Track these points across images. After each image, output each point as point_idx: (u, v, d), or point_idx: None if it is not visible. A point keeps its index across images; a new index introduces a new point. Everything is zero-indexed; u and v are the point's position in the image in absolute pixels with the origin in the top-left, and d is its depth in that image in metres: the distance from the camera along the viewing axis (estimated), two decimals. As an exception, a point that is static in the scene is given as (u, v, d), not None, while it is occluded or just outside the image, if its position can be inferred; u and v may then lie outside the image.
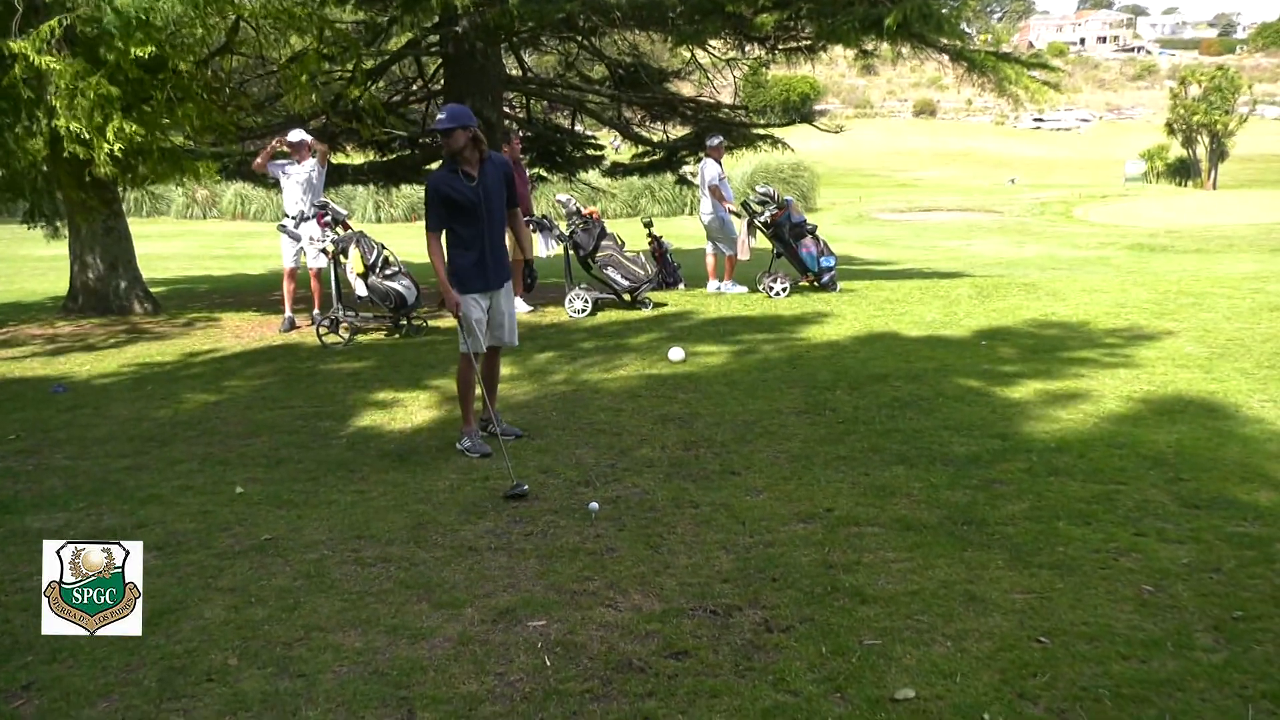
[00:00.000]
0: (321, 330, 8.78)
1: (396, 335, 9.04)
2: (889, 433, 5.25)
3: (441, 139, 5.00)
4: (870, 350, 7.45)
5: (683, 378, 6.80)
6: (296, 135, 9.37)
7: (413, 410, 6.27)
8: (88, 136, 8.00)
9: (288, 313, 9.61)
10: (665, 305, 10.14)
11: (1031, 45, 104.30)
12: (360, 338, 8.95)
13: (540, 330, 8.90)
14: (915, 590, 3.36)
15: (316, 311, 9.41)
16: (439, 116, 5.04)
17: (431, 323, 9.43)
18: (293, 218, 9.21)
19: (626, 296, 9.88)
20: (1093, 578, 3.41)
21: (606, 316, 9.58)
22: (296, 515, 4.38)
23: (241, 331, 9.68)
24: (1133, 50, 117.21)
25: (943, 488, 4.37)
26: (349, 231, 9.10)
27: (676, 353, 7.37)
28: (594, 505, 4.27)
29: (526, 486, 4.53)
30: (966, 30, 9.77)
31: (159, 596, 3.48)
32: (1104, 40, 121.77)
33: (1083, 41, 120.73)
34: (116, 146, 8.04)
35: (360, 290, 8.93)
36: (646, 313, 9.68)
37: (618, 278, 9.84)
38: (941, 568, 3.53)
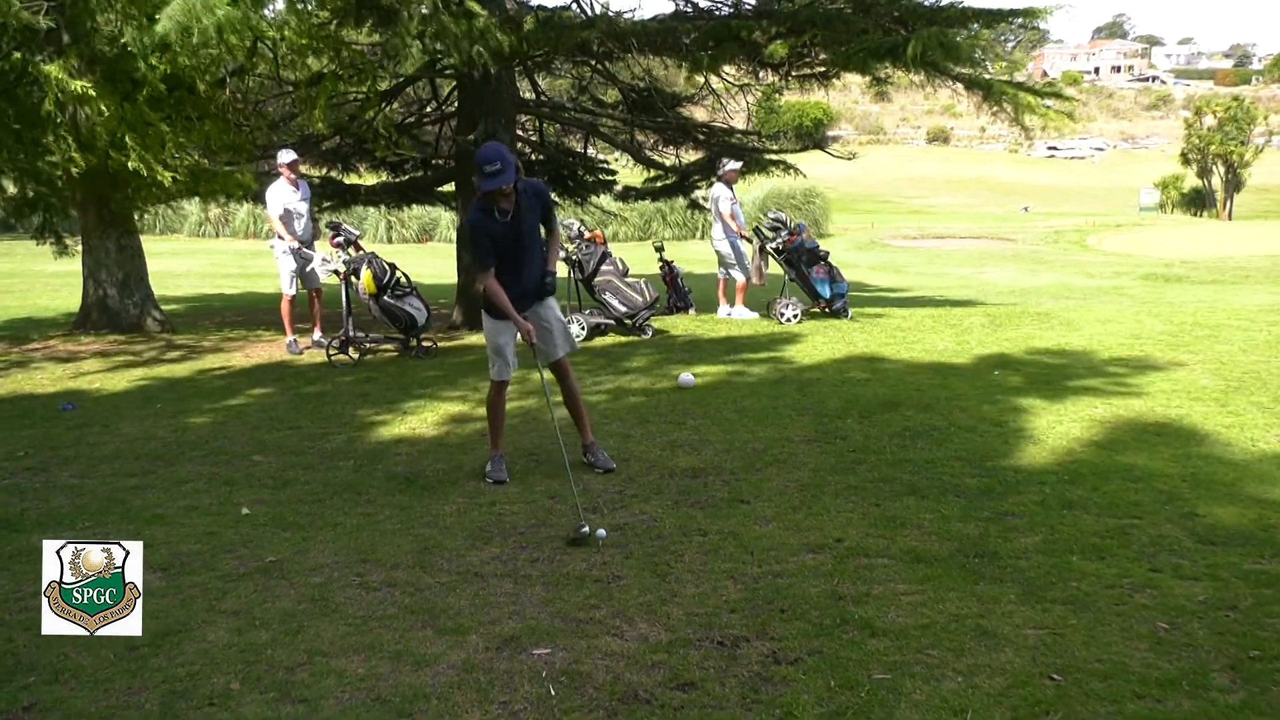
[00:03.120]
0: (331, 351, 8.81)
1: (407, 356, 9.06)
2: (900, 463, 5.22)
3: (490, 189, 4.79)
4: (882, 378, 7.43)
5: (692, 403, 6.78)
6: (288, 155, 9.31)
7: (421, 433, 6.27)
8: (145, 164, 8.14)
9: (290, 335, 9.58)
10: (675, 330, 10.15)
11: (1045, 74, 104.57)
12: (370, 358, 8.98)
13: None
14: (926, 624, 3.32)
15: (319, 334, 9.41)
16: (495, 168, 4.68)
17: (442, 344, 9.45)
18: (302, 241, 9.24)
19: (628, 321, 9.87)
20: (1107, 614, 3.37)
21: (615, 340, 9.58)
22: (302, 538, 4.37)
23: (251, 351, 9.72)
24: (1147, 80, 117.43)
25: (954, 519, 4.34)
26: (361, 252, 9.15)
27: (686, 378, 7.37)
28: (601, 532, 4.24)
29: (587, 529, 4.22)
30: (982, 58, 9.77)
31: (162, 618, 3.48)
32: (1118, 70, 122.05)
33: (1097, 71, 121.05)
34: (173, 173, 8.20)
35: (373, 311, 8.96)
36: (655, 337, 9.67)
37: (615, 303, 9.83)
38: (953, 601, 3.50)
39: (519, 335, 5.11)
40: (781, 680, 2.99)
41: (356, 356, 8.87)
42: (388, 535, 4.38)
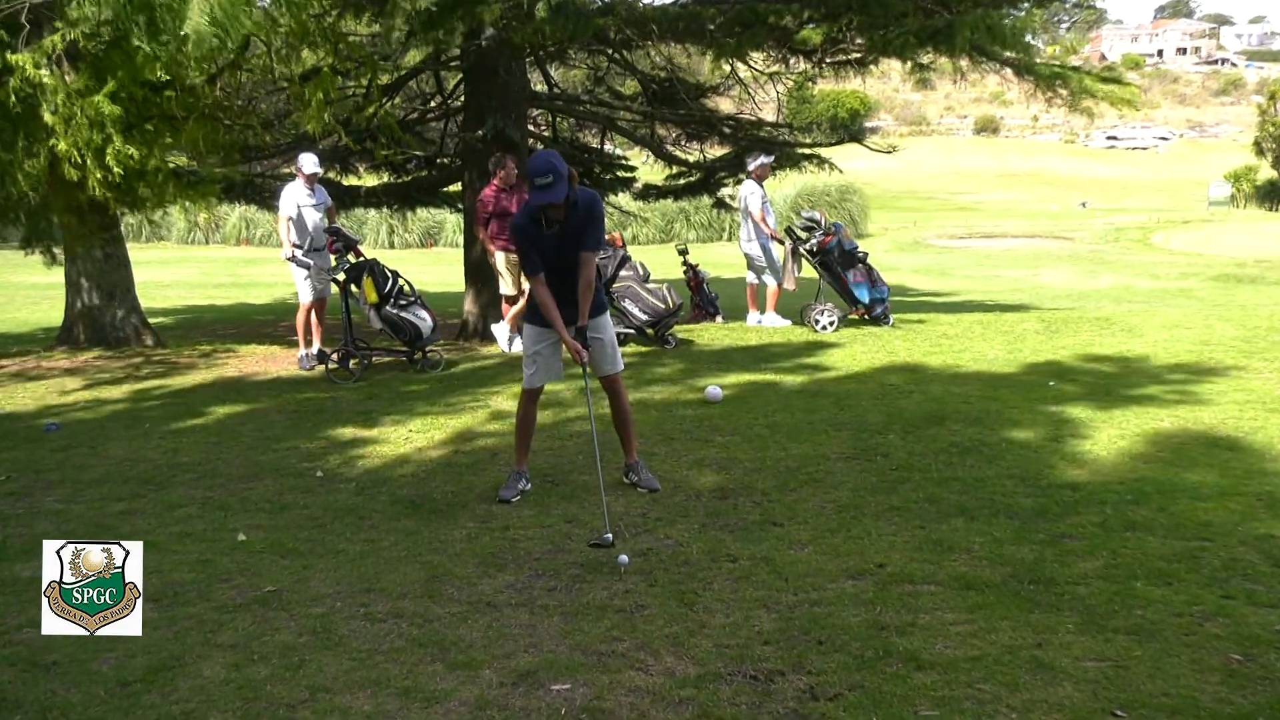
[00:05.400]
0: (330, 365, 8.89)
1: (412, 370, 9.12)
2: (947, 481, 5.22)
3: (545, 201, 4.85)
4: (926, 390, 7.42)
5: (720, 419, 6.81)
6: (311, 169, 9.44)
7: (427, 452, 6.32)
8: (82, 159, 8.21)
9: (315, 347, 9.53)
10: (701, 339, 10.17)
11: (1104, 57, 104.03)
12: (372, 372, 9.04)
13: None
14: (976, 656, 3.33)
15: (318, 347, 9.46)
16: (546, 181, 4.74)
17: (449, 356, 9.52)
18: (300, 246, 9.32)
19: (649, 331, 9.90)
20: (1175, 644, 3.36)
21: (636, 350, 9.62)
22: (302, 566, 4.42)
23: (245, 365, 9.82)
24: (1216, 63, 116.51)
25: (1007, 543, 4.33)
26: (361, 259, 9.23)
27: (714, 392, 7.39)
28: (623, 558, 4.27)
29: (610, 536, 4.40)
30: (1032, 41, 9.77)
31: (155, 651, 3.53)
32: (1184, 52, 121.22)
33: (1160, 53, 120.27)
34: (116, 172, 8.24)
35: (375, 322, 9.03)
36: (679, 348, 9.70)
37: (635, 310, 9.86)
38: (1005, 631, 3.50)
39: (566, 352, 5.19)
40: (820, 718, 3.00)
41: (358, 370, 8.94)
42: (393, 563, 4.43)
